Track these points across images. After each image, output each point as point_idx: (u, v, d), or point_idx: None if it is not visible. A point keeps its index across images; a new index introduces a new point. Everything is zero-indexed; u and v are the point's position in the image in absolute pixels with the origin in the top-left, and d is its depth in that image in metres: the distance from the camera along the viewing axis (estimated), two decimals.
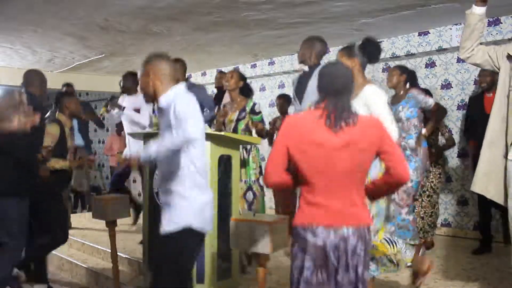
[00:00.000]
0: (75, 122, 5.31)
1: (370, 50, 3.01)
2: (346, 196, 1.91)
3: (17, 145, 3.07)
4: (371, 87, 2.92)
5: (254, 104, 3.95)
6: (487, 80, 4.41)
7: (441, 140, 4.88)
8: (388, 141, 1.95)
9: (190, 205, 2.38)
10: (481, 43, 2.98)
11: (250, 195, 3.89)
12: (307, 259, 1.89)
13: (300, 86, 3.49)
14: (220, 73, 5.60)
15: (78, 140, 5.80)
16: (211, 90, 8.37)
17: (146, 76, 2.47)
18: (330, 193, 1.90)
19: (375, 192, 2.05)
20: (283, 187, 2.01)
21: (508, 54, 2.86)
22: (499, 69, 2.91)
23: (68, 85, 5.90)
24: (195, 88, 4.33)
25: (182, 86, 2.51)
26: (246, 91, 4.06)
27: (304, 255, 1.90)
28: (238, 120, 3.92)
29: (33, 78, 3.57)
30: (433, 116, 4.03)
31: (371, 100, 2.84)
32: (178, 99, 2.36)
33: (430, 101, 3.94)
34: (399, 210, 3.91)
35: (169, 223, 2.41)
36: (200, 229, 2.40)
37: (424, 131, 3.94)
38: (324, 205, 1.89)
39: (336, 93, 1.92)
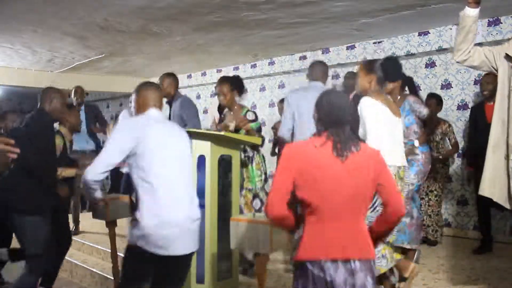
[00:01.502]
0: (84, 125, 5.33)
1: (387, 68, 3.14)
2: (352, 225, 1.88)
3: (41, 165, 3.17)
4: (367, 99, 3.00)
5: (247, 112, 3.89)
6: (489, 88, 4.31)
7: (447, 145, 4.96)
8: (387, 175, 1.96)
9: (137, 226, 2.32)
10: (480, 43, 2.97)
11: (257, 203, 3.88)
12: None
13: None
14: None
15: (88, 145, 5.82)
16: (211, 91, 8.40)
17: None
18: (337, 223, 1.86)
19: (376, 236, 2.02)
20: (284, 222, 1.93)
21: (506, 54, 2.84)
22: (497, 70, 2.89)
23: (78, 88, 5.89)
24: (185, 104, 4.30)
25: (146, 115, 2.51)
26: (240, 88, 3.98)
27: None
28: (237, 130, 3.82)
29: (47, 96, 3.49)
30: (425, 126, 4.01)
31: (363, 113, 2.93)
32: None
33: (424, 112, 3.93)
34: None
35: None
36: (144, 248, 2.31)
37: (416, 143, 3.91)
38: (331, 235, 1.86)
39: (339, 122, 1.92)
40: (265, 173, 3.98)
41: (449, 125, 4.92)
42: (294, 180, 1.88)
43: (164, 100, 4.23)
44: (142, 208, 2.30)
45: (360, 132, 2.68)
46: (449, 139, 4.89)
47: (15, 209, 3.19)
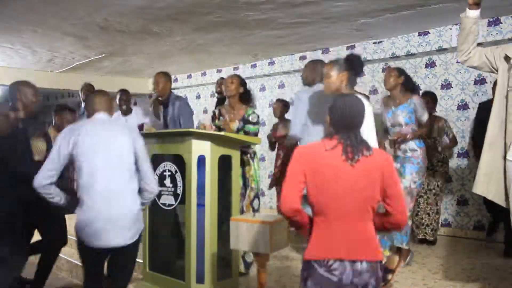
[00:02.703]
0: None
1: (356, 64, 3.11)
2: (361, 228, 1.90)
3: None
4: (362, 100, 2.98)
5: (252, 113, 3.78)
6: None
7: (445, 140, 4.95)
8: (395, 182, 1.95)
9: (77, 221, 2.58)
10: (480, 43, 2.99)
11: (256, 203, 3.86)
12: None
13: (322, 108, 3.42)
14: (222, 78, 5.57)
15: None
16: (211, 91, 8.40)
17: None
18: (346, 224, 1.88)
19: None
20: (297, 220, 1.94)
21: (506, 55, 2.87)
22: (497, 71, 2.92)
23: (87, 85, 5.82)
24: (178, 101, 4.34)
25: (92, 118, 2.74)
26: (246, 97, 3.88)
27: None
28: (238, 130, 3.79)
29: (17, 91, 3.25)
30: (422, 129, 4.03)
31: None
32: None
33: (425, 117, 4.01)
34: None
35: None
36: (86, 242, 2.57)
37: (409, 136, 3.93)
38: (339, 236, 1.88)
39: (351, 127, 1.95)
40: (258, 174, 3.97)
41: (445, 121, 4.98)
42: (305, 178, 1.91)
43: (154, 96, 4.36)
44: (80, 204, 2.56)
45: None
46: (447, 134, 4.91)
47: None
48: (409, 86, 4.08)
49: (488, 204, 4.73)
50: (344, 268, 1.85)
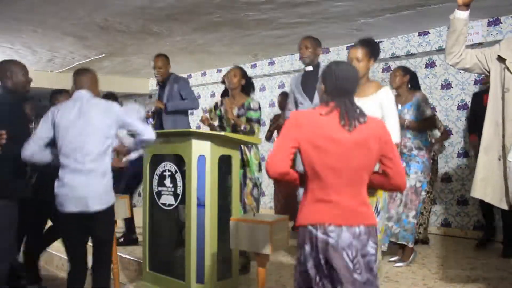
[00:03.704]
0: None
1: (376, 52, 3.12)
2: (356, 195, 1.89)
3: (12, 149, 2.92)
4: (387, 89, 2.99)
5: (252, 101, 3.96)
6: (489, 80, 4.39)
7: (436, 134, 4.98)
8: (392, 147, 1.96)
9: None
10: (480, 43, 2.97)
11: (256, 192, 3.93)
12: (321, 258, 1.84)
13: (308, 83, 3.60)
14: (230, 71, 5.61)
15: None
16: (211, 91, 8.40)
17: None
18: (342, 191, 1.87)
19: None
20: (287, 179, 1.93)
21: (499, 56, 2.84)
22: (489, 72, 2.88)
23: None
24: (181, 81, 4.63)
25: (73, 96, 2.95)
26: (248, 88, 4.09)
27: (317, 253, 1.85)
28: (238, 116, 3.93)
29: (5, 70, 3.12)
30: (422, 123, 4.04)
31: (387, 102, 2.93)
32: None
33: (428, 112, 4.04)
34: (407, 212, 3.92)
35: None
36: (57, 207, 2.84)
37: (409, 123, 3.97)
38: (335, 202, 1.86)
39: (346, 93, 1.93)
40: (259, 164, 4.01)
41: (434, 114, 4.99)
42: (299, 146, 1.88)
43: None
44: (58, 176, 2.83)
45: (375, 113, 2.72)
46: (438, 128, 4.90)
47: None
48: (415, 84, 4.13)
49: (483, 205, 4.72)
50: (341, 231, 1.84)
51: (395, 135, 2.83)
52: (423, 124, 4.05)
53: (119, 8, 4.66)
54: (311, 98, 3.64)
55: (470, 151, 5.19)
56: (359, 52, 2.97)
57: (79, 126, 2.79)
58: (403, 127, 3.94)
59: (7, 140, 2.83)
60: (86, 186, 2.76)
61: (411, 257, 4.02)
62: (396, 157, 1.96)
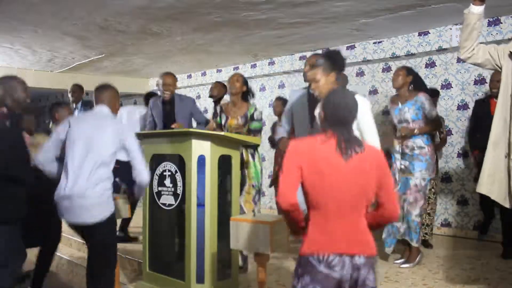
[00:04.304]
0: None
1: (339, 62, 2.99)
2: (356, 223, 1.91)
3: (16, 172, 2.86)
4: (358, 97, 2.89)
5: (255, 110, 3.91)
6: (499, 86, 4.32)
7: (437, 139, 4.95)
8: (388, 176, 1.99)
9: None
10: (481, 43, 2.98)
11: (257, 198, 3.91)
12: None
13: (313, 108, 3.38)
14: (217, 83, 5.61)
15: None
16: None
17: None
18: (343, 218, 1.89)
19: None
20: (295, 212, 1.95)
21: (510, 52, 2.84)
22: (500, 68, 2.89)
23: (75, 86, 5.87)
24: (189, 101, 4.65)
25: (92, 110, 3.13)
26: (248, 96, 4.03)
27: (317, 286, 1.86)
28: (240, 126, 3.89)
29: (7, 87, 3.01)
30: (429, 125, 4.03)
31: (361, 114, 2.83)
32: None
33: (434, 113, 4.03)
34: (410, 210, 3.92)
35: None
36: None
37: (416, 130, 3.96)
38: (337, 230, 1.88)
39: (344, 122, 1.96)
40: (261, 171, 4.00)
41: (443, 119, 4.99)
42: (302, 171, 1.90)
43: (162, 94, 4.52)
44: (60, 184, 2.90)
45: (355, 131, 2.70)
46: (439, 132, 4.89)
47: None
48: (417, 85, 4.11)
49: (483, 203, 4.72)
50: (344, 263, 1.85)
51: (373, 138, 2.85)
52: (431, 126, 4.03)
53: (119, 8, 4.66)
54: (312, 123, 3.31)
55: (472, 164, 5.16)
56: (316, 73, 2.91)
57: (86, 140, 2.87)
58: (414, 135, 3.95)
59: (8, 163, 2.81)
60: (82, 199, 2.81)
61: (418, 258, 4.01)
62: (390, 186, 1.99)
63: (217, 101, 5.38)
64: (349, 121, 1.97)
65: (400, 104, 4.06)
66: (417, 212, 3.93)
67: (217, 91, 5.53)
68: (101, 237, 2.91)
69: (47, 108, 4.43)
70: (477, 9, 2.82)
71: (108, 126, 2.93)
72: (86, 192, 2.80)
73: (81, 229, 2.93)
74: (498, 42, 4.82)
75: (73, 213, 2.83)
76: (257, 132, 3.91)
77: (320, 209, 1.90)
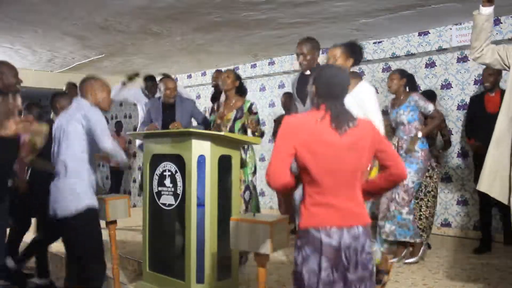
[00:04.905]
0: None
1: (358, 54, 3.05)
2: (352, 196, 1.94)
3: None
4: (364, 84, 2.99)
5: (252, 104, 3.98)
6: (490, 80, 4.42)
7: (440, 141, 4.92)
8: (384, 141, 2.02)
9: None
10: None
11: (247, 195, 3.93)
12: (323, 260, 1.87)
13: (302, 87, 3.52)
14: (217, 71, 5.64)
15: None
16: (211, 91, 8.39)
17: None
18: (339, 193, 1.91)
19: (373, 191, 2.08)
20: (288, 188, 1.97)
21: None
22: (509, 68, 2.91)
23: (70, 84, 5.86)
24: (189, 102, 4.67)
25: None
26: (241, 90, 4.10)
27: (320, 256, 1.87)
28: (235, 119, 3.94)
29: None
30: (431, 122, 4.05)
31: (367, 99, 2.93)
32: None
33: (430, 107, 4.02)
34: (400, 209, 3.95)
35: None
36: None
37: (420, 134, 3.98)
38: (334, 205, 1.90)
39: (337, 96, 1.96)
40: (255, 166, 4.03)
41: (443, 120, 4.97)
42: (296, 151, 1.90)
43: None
44: None
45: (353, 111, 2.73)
46: (442, 134, 4.89)
47: None
48: (414, 86, 4.15)
49: (482, 203, 4.71)
50: (342, 233, 1.88)
51: (378, 123, 2.87)
52: (431, 124, 4.03)
53: (119, 8, 4.66)
54: (304, 101, 3.54)
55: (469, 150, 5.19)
56: (336, 51, 2.98)
57: (61, 132, 2.96)
58: (418, 139, 3.96)
59: None
60: (56, 191, 2.92)
61: (421, 252, 4.05)
62: (391, 149, 2.02)
63: (217, 92, 5.34)
64: (341, 94, 1.97)
65: (396, 107, 4.11)
66: (406, 210, 3.96)
67: (214, 82, 5.54)
68: (74, 236, 2.96)
69: (47, 109, 4.46)
70: (485, 10, 2.85)
71: (74, 117, 2.94)
72: (62, 183, 2.90)
73: (59, 224, 2.98)
74: (498, 42, 4.82)
75: (51, 206, 2.93)
76: (258, 124, 3.98)
77: (316, 185, 1.91)
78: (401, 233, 3.99)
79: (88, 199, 2.93)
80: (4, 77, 3.08)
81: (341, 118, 1.91)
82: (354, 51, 3.00)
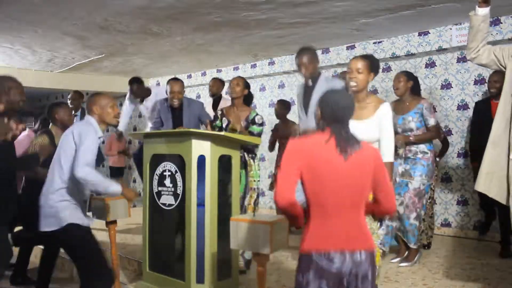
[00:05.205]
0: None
1: (377, 68, 2.97)
2: (356, 219, 1.94)
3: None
4: (386, 107, 2.87)
5: (256, 115, 3.90)
6: (497, 86, 4.26)
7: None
8: (384, 172, 2.02)
9: None
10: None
11: (257, 202, 3.95)
12: (323, 284, 1.87)
13: (306, 97, 3.52)
14: (213, 80, 5.64)
15: None
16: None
17: None
18: (343, 216, 1.91)
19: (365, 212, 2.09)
20: (293, 210, 1.96)
21: None
22: (505, 68, 2.91)
23: (75, 94, 5.83)
24: (197, 105, 4.65)
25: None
26: (249, 99, 4.04)
27: (320, 281, 1.87)
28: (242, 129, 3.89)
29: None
30: (425, 133, 4.02)
31: (385, 121, 2.83)
32: None
33: (432, 122, 4.00)
34: (408, 214, 3.92)
35: None
36: None
37: (412, 137, 3.97)
38: (338, 228, 1.90)
39: (342, 120, 1.97)
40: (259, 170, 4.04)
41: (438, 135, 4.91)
42: (301, 173, 1.92)
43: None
44: None
45: (375, 135, 2.77)
46: (439, 138, 4.87)
47: None
48: (417, 90, 4.10)
49: (483, 203, 4.71)
50: (344, 258, 1.87)
51: (390, 155, 2.80)
52: (426, 136, 4.01)
53: (119, 8, 4.66)
54: (307, 111, 3.55)
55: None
56: (360, 63, 2.85)
57: (63, 143, 2.97)
58: (409, 142, 3.96)
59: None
60: (42, 206, 2.92)
61: (416, 257, 4.03)
62: (387, 182, 2.03)
63: (217, 99, 5.37)
64: (346, 119, 1.99)
65: (403, 114, 4.04)
66: (414, 215, 3.93)
67: (216, 88, 5.55)
68: (61, 246, 3.07)
69: (46, 109, 4.40)
70: (481, 11, 2.85)
71: (69, 133, 2.92)
72: (52, 198, 2.88)
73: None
74: (498, 42, 4.83)
75: (41, 221, 2.92)
76: (257, 135, 3.88)
77: (320, 207, 1.92)
78: (406, 237, 4.00)
79: (71, 218, 2.87)
80: (11, 93, 2.95)
81: (346, 142, 1.93)
82: (375, 66, 2.94)
